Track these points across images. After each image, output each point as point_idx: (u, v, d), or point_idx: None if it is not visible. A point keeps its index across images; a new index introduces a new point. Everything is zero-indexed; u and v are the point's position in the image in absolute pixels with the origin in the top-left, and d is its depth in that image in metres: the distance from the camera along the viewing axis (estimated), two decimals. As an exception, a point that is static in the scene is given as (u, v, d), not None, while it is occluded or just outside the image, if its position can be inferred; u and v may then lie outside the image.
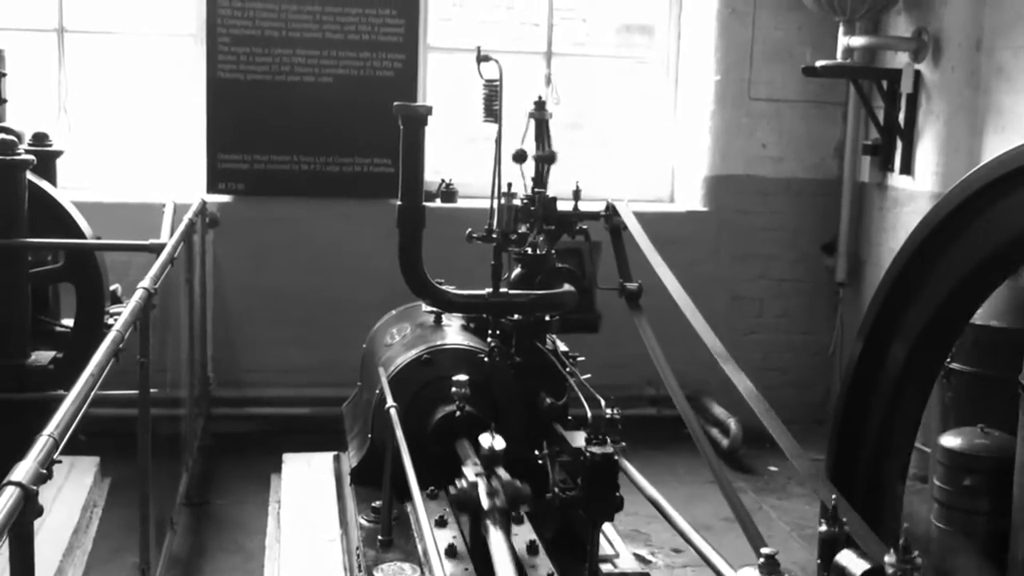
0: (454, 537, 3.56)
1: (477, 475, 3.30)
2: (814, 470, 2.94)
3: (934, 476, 5.14)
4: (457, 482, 3.35)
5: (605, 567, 3.87)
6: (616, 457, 3.44)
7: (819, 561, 2.07)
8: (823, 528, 2.10)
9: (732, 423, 7.23)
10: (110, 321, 5.33)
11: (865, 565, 1.92)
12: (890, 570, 1.86)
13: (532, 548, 3.38)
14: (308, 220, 7.40)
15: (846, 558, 1.98)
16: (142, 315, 4.06)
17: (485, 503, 3.17)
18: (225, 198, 7.32)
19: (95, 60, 7.53)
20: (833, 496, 2.21)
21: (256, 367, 7.42)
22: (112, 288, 6.00)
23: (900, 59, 7.22)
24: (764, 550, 1.95)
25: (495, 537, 3.03)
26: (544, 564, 3.28)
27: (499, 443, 3.32)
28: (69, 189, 6.44)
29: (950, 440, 5.00)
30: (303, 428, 6.97)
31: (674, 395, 3.72)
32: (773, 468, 7.05)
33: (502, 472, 3.31)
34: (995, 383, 5.08)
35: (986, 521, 4.84)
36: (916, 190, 7.10)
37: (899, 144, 7.26)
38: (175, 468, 5.74)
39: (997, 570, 4.62)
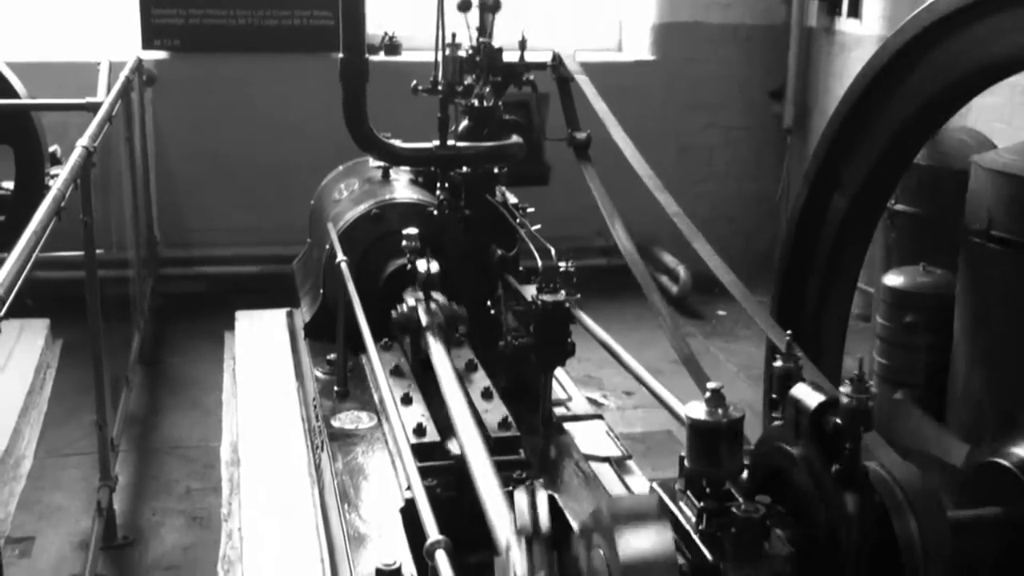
0: (409, 386, 3.61)
1: (416, 300, 3.55)
2: (764, 313, 2.98)
3: (877, 314, 5.27)
4: (398, 307, 3.60)
5: (558, 410, 3.96)
6: (567, 305, 3.48)
7: (774, 396, 2.11)
8: (778, 363, 2.12)
9: (681, 270, 7.34)
10: (51, 183, 5.24)
11: (820, 397, 1.97)
12: (845, 400, 1.91)
13: (486, 394, 3.43)
14: (248, 76, 7.23)
15: (801, 391, 2.01)
16: (82, 174, 3.99)
17: (424, 320, 3.43)
18: (161, 55, 7.12)
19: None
20: (788, 333, 2.24)
21: (203, 227, 7.36)
22: (51, 150, 5.88)
23: (849, -102, 7.09)
24: (710, 384, 1.99)
25: (436, 350, 3.20)
26: (498, 409, 3.34)
27: (434, 266, 3.60)
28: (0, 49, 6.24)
29: (892, 279, 5.12)
30: (254, 287, 6.97)
31: (619, 241, 3.74)
32: (721, 312, 7.20)
33: (439, 296, 3.58)
34: (938, 223, 5.18)
35: (926, 356, 5.00)
36: (863, 34, 7.07)
37: (847, -13, 7.20)
38: (127, 328, 5.74)
39: (933, 420, 4.77)
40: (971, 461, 2.37)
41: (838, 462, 1.94)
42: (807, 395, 1.99)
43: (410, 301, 3.58)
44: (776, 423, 2.07)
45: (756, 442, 2.13)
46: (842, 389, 1.92)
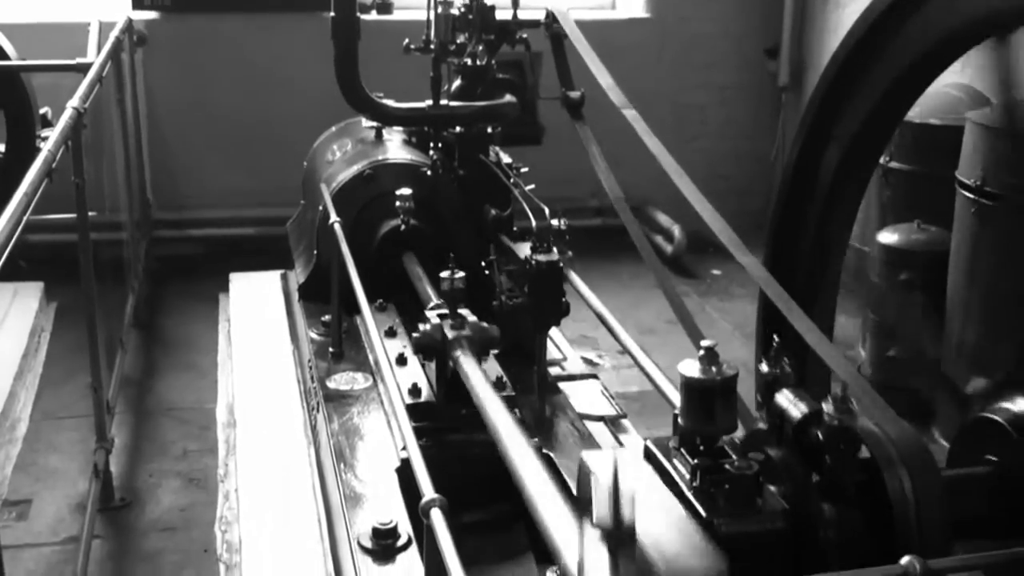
0: (404, 347, 3.61)
1: (440, 316, 3.12)
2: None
3: (871, 272, 5.28)
4: (420, 326, 3.11)
5: (553, 370, 3.97)
6: (561, 265, 3.48)
7: (758, 399, 2.10)
8: (764, 368, 2.10)
9: (676, 230, 7.33)
10: (41, 144, 5.22)
11: (804, 409, 1.96)
12: (827, 418, 1.91)
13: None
14: (239, 36, 7.17)
15: (784, 399, 2.01)
16: (73, 135, 3.96)
17: (451, 335, 3.03)
18: (151, 15, 7.06)
19: None
20: (775, 339, 2.18)
21: (196, 190, 7.33)
22: (42, 112, 5.85)
23: None
24: (704, 343, 1.99)
25: (468, 366, 2.86)
26: (493, 369, 3.34)
27: (459, 278, 3.16)
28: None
29: (887, 236, 5.12)
30: (248, 249, 6.96)
31: (613, 198, 3.73)
32: (716, 272, 7.20)
33: (467, 313, 3.15)
34: (932, 180, 5.17)
35: (920, 313, 5.02)
36: (859, -11, 7.02)
37: (843, -58, 7.14)
38: (121, 291, 5.73)
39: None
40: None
41: (819, 473, 1.94)
42: (791, 405, 1.98)
43: (432, 318, 3.12)
44: (760, 426, 2.07)
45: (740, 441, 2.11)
46: (824, 407, 1.92)
